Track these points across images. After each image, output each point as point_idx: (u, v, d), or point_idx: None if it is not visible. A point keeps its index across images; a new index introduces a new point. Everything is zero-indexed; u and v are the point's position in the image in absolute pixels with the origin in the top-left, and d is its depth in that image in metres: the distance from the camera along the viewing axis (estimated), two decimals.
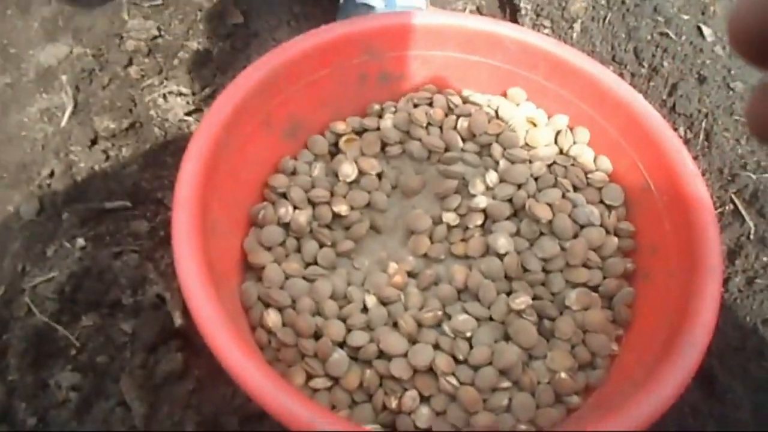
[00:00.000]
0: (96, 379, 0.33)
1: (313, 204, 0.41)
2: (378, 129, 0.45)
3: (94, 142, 0.48)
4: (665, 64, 0.56)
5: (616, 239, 0.40)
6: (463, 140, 0.44)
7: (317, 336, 0.36)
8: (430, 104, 0.46)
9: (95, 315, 0.36)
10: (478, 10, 0.66)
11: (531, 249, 0.40)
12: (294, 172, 0.43)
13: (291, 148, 0.44)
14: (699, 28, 0.59)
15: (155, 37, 0.59)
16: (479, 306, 0.38)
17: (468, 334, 0.36)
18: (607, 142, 0.43)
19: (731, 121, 0.54)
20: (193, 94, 0.55)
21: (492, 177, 0.42)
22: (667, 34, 0.58)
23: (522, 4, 0.63)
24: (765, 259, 0.49)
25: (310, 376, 0.35)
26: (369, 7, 0.58)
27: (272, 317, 0.36)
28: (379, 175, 0.43)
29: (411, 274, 0.40)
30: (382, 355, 0.36)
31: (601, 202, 0.42)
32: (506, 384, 0.35)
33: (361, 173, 0.43)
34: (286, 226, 0.41)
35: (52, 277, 0.37)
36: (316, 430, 0.27)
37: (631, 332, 0.38)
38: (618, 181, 0.42)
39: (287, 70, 0.41)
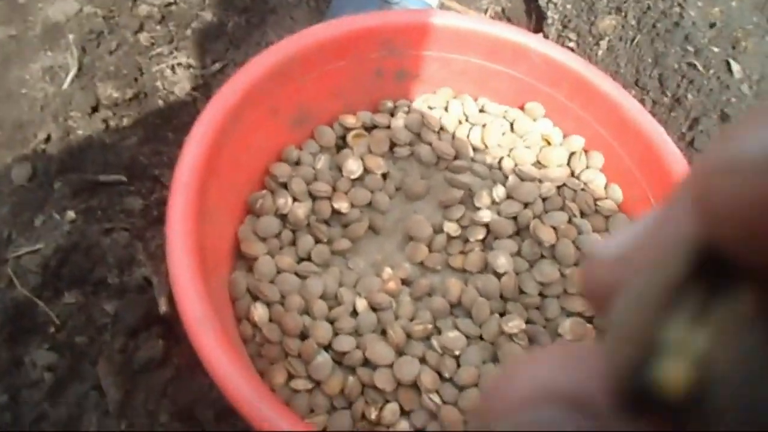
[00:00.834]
0: (72, 361, 0.32)
1: (313, 197, 0.40)
2: (388, 127, 0.43)
3: (95, 109, 0.46)
4: (689, 96, 0.55)
5: None
6: (474, 150, 0.43)
7: (303, 336, 0.36)
8: (446, 109, 0.44)
9: (78, 292, 0.35)
10: (503, 12, 0.64)
11: (530, 271, 0.39)
12: (297, 162, 0.42)
13: (297, 138, 0.43)
14: (728, 63, 0.57)
15: (169, 4, 0.57)
16: (471, 324, 0.37)
17: (456, 353, 0.35)
18: (621, 171, 0.42)
19: None
20: (203, 68, 0.53)
21: (499, 192, 0.41)
22: (694, 65, 0.56)
23: (549, 13, 0.62)
24: None
25: (291, 376, 0.35)
26: None
27: (259, 311, 0.36)
28: (384, 176, 0.42)
29: (405, 282, 0.39)
30: (367, 363, 0.35)
31: (607, 230, 0.41)
32: None
33: (366, 171, 0.42)
34: (283, 217, 0.40)
35: (37, 249, 0.36)
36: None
37: None
38: (627, 211, 0.42)
39: (302, 59, 0.39)
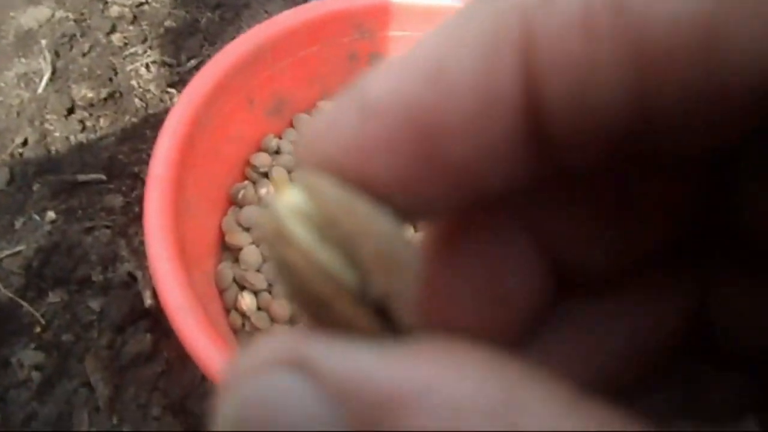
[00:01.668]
0: (60, 359, 0.32)
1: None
2: None
3: (70, 111, 0.46)
4: None
5: None
6: None
7: (292, 322, 0.36)
8: None
9: (62, 291, 0.35)
10: None
11: None
12: (277, 151, 0.42)
13: (275, 127, 0.43)
14: None
15: (141, 4, 0.57)
16: None
17: None
18: None
19: None
20: (178, 65, 0.53)
21: None
22: None
23: None
24: None
25: None
26: None
27: (246, 300, 0.36)
28: None
29: None
30: None
31: None
32: None
33: None
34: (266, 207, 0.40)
35: (19, 251, 0.36)
36: None
37: None
38: None
39: (273, 47, 0.39)
